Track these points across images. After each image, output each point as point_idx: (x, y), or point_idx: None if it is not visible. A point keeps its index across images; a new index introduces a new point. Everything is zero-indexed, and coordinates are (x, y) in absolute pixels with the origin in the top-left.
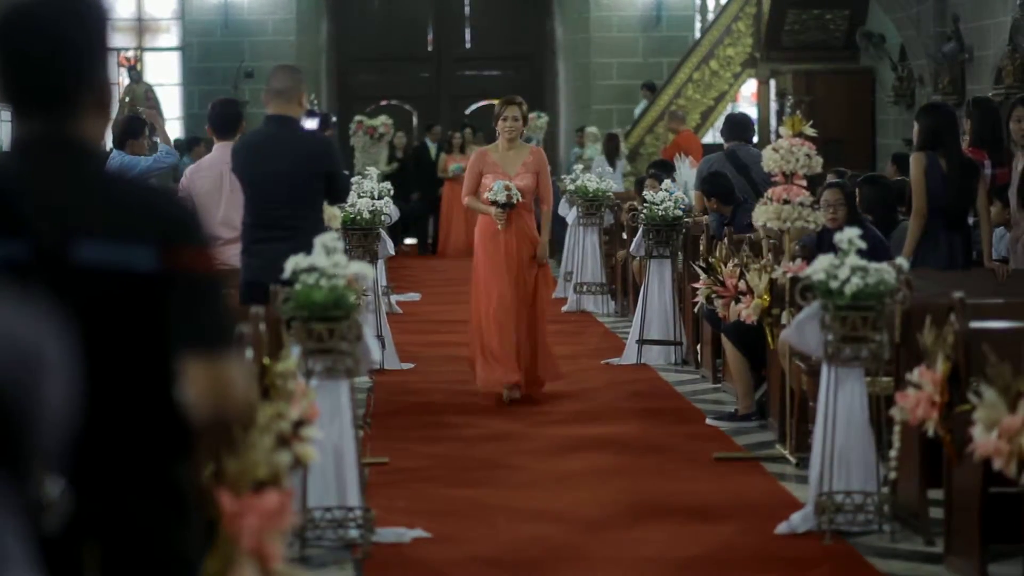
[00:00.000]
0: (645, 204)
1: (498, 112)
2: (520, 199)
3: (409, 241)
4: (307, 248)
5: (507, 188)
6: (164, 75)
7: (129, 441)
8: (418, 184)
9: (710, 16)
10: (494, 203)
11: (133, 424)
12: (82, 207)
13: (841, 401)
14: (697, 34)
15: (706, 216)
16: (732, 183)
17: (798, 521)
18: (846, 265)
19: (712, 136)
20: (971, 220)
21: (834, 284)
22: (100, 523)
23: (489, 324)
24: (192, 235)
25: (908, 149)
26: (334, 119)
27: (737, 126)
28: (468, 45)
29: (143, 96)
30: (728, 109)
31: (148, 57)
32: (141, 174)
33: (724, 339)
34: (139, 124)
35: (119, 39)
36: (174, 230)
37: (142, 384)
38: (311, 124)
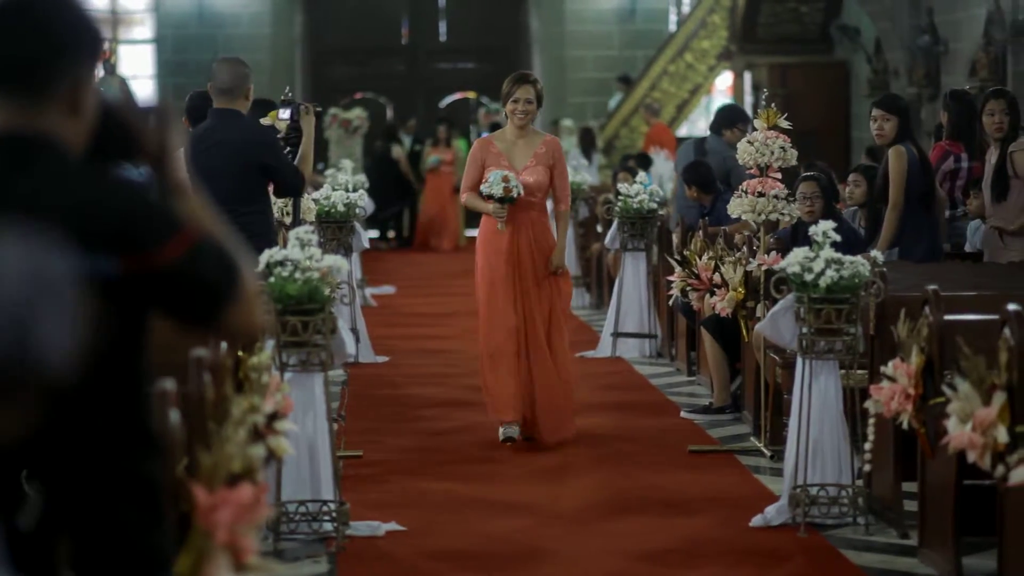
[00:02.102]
0: (620, 197)
1: (508, 92)
2: (521, 192)
3: (389, 235)
4: (249, 243)
5: (505, 179)
6: (138, 67)
7: (99, 437)
8: (396, 180)
9: (685, 9)
10: (490, 198)
11: (103, 419)
12: (42, 209)
13: (815, 394)
14: (672, 27)
15: (667, 209)
16: (714, 173)
17: (772, 514)
18: (821, 258)
19: (687, 129)
20: (947, 213)
21: (809, 277)
22: (72, 519)
23: (488, 353)
24: (154, 233)
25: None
26: (318, 108)
27: (716, 115)
28: (443, 38)
29: (117, 89)
30: (703, 102)
31: (122, 49)
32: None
33: (702, 332)
34: None
35: None
36: (134, 236)
37: (112, 379)
38: (285, 114)
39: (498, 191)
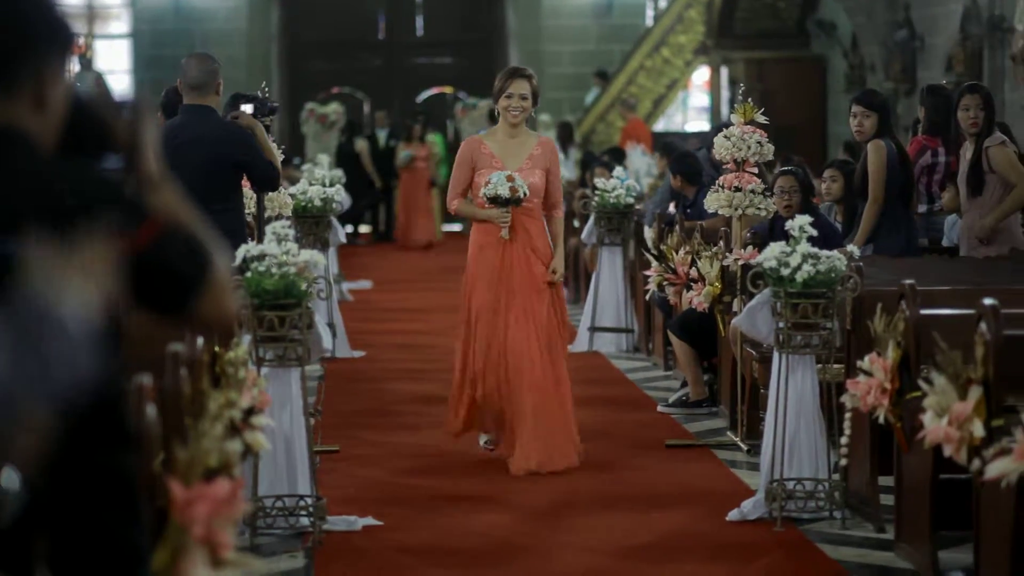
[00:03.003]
0: (596, 192)
1: (500, 87)
2: (527, 192)
3: (363, 229)
4: (223, 239)
5: (510, 179)
6: (114, 63)
7: (74, 433)
8: (361, 174)
9: (662, 3)
10: (494, 201)
11: (78, 415)
12: (9, 201)
13: (792, 388)
14: (649, 21)
15: (640, 204)
16: (701, 165)
17: (749, 508)
18: (797, 252)
19: (664, 124)
20: (923, 208)
21: (785, 271)
22: (49, 516)
23: (470, 375)
24: (122, 223)
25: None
26: (275, 104)
27: (710, 131)
28: (420, 32)
29: (93, 84)
30: (680, 97)
31: (98, 44)
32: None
33: (669, 332)
34: None
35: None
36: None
37: None
38: (247, 108)
39: (504, 192)
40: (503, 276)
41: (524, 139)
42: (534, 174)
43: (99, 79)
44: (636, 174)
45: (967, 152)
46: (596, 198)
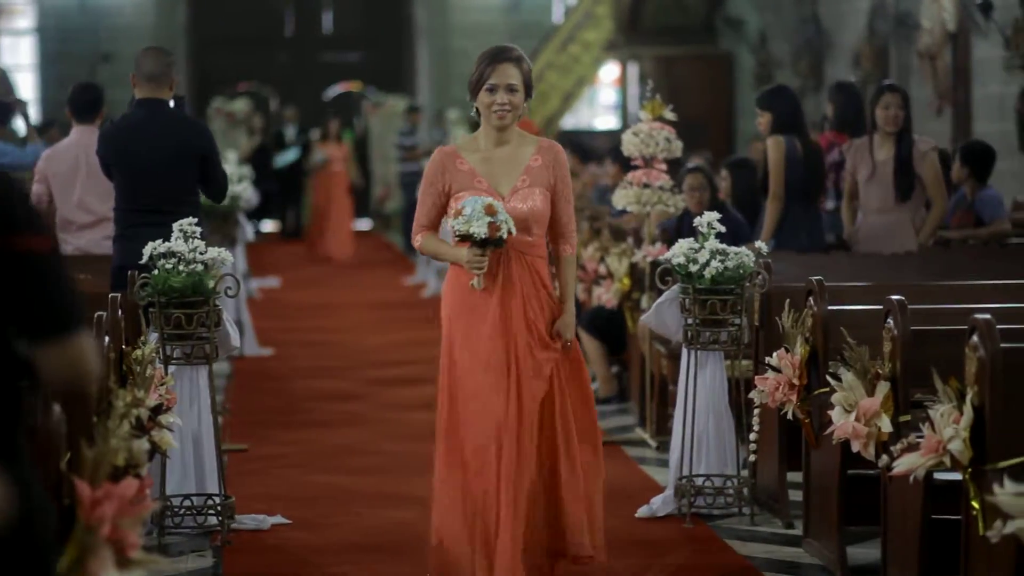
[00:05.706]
0: None
1: (480, 76)
2: (512, 229)
3: (268, 228)
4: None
5: (489, 210)
6: (19, 58)
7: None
8: (277, 170)
9: (570, 0)
10: (466, 239)
11: None
12: None
13: (701, 384)
14: (558, 18)
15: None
16: None
17: (658, 504)
18: (706, 249)
19: (574, 120)
20: (831, 205)
21: (694, 268)
22: None
23: (452, 470)
24: (25, 221)
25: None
26: (183, 96)
27: None
28: (328, 28)
29: None
30: (589, 93)
31: (3, 40)
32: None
33: (579, 328)
34: (7, 109)
35: None
36: (4, 215)
37: None
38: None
39: (480, 229)
40: (497, 341)
41: (517, 146)
42: (533, 195)
43: (3, 75)
44: None
45: (879, 152)
46: None
